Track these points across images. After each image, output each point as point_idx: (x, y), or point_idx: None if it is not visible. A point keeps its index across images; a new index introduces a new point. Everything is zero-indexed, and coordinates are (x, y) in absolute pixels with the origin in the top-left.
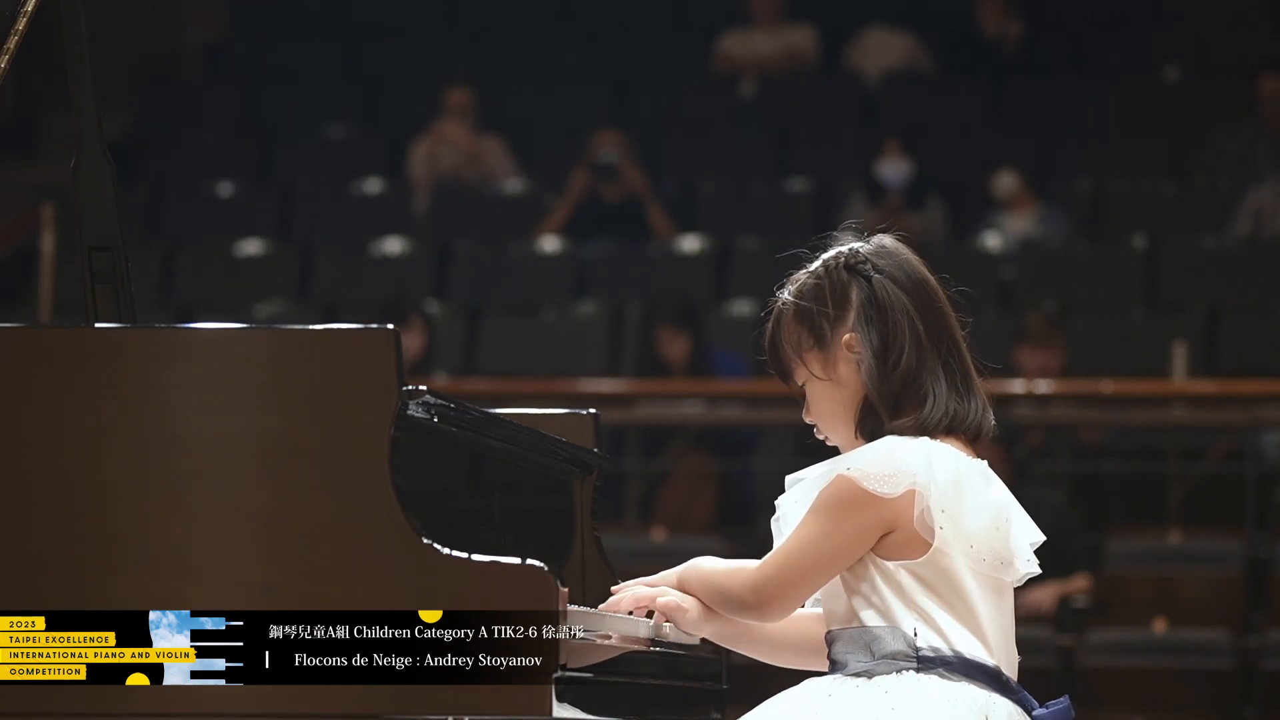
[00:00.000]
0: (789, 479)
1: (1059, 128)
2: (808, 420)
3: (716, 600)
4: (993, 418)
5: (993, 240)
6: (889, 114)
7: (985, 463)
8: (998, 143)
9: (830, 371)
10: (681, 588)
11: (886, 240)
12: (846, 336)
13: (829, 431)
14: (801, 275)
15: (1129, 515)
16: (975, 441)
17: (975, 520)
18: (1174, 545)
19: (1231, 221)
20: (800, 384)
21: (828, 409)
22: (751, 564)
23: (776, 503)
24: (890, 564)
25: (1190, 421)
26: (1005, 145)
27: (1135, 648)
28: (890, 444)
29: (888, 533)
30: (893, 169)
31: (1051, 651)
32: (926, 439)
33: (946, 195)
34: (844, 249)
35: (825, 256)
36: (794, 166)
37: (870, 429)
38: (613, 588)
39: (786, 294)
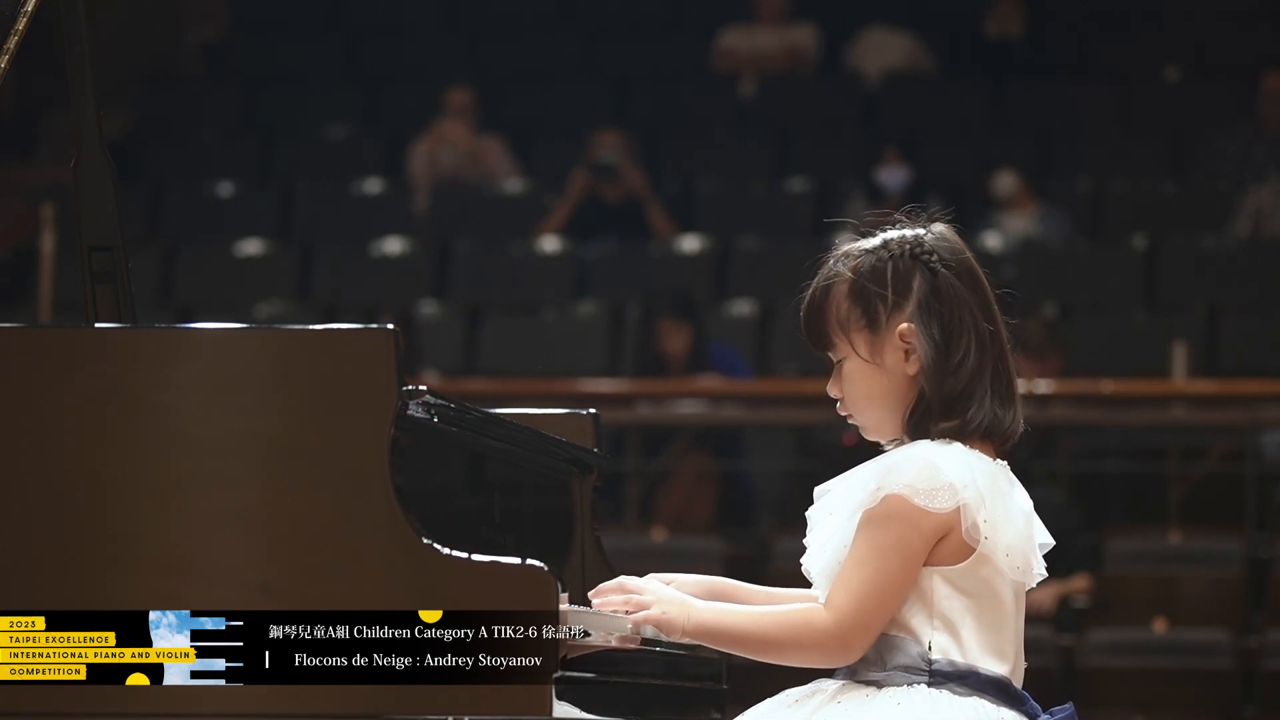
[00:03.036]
0: (817, 490)
1: (1059, 128)
2: (833, 394)
3: (782, 654)
4: (1022, 425)
5: (993, 240)
6: (889, 114)
7: (1006, 465)
8: (998, 143)
9: (876, 356)
10: (707, 639)
11: (946, 231)
12: (903, 326)
13: (856, 411)
14: (857, 250)
15: (1129, 515)
16: (1002, 446)
17: (1010, 527)
18: (1174, 545)
19: (1231, 221)
20: (836, 358)
21: (864, 391)
22: (807, 609)
23: (808, 515)
24: (925, 569)
25: (1190, 421)
26: (1005, 145)
27: (1135, 648)
28: (928, 454)
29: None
30: (892, 175)
31: (1051, 651)
32: (960, 445)
33: (946, 195)
34: (907, 233)
35: (887, 237)
36: (794, 166)
37: (922, 427)
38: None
39: (841, 266)
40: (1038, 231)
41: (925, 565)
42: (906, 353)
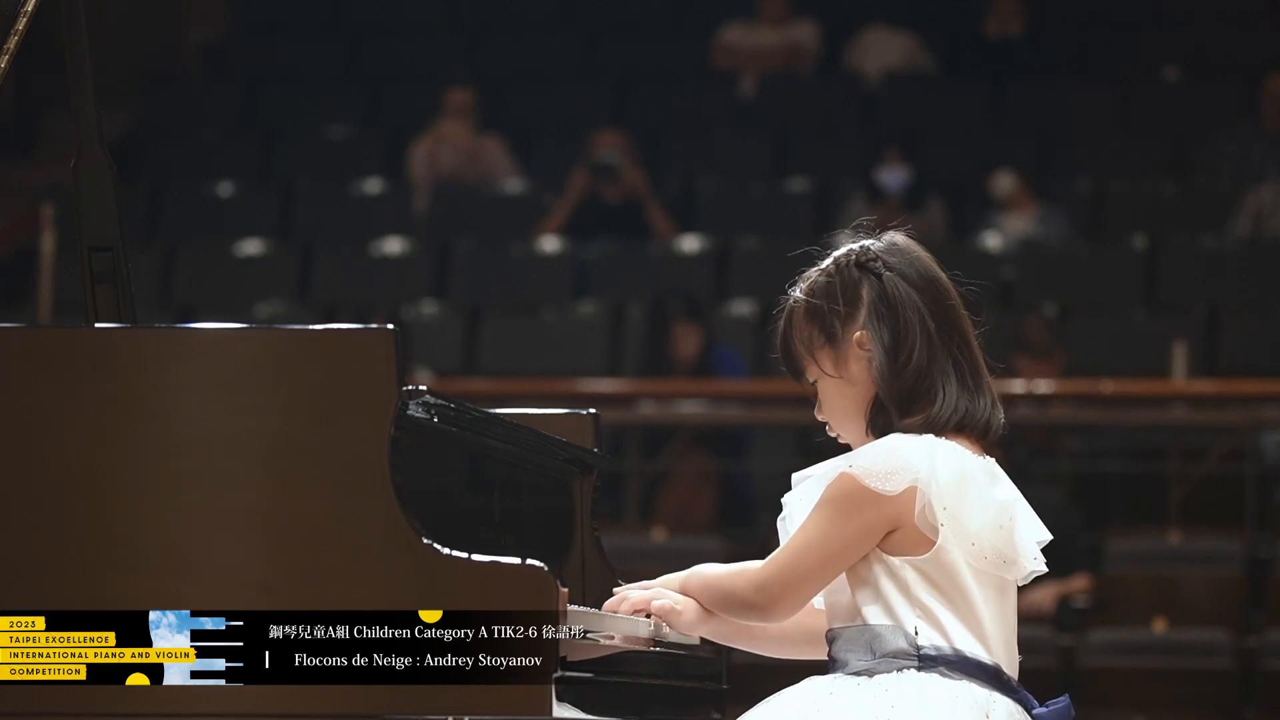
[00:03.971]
0: (796, 476)
1: (1059, 128)
2: (820, 418)
3: (720, 603)
4: (1002, 415)
5: (993, 240)
6: (889, 114)
7: (993, 461)
8: (998, 143)
9: (841, 369)
10: (684, 593)
11: (898, 237)
12: (858, 334)
13: (841, 429)
14: (813, 273)
15: (1129, 515)
16: (984, 439)
17: (977, 518)
18: (1174, 545)
19: (1231, 221)
20: (812, 381)
21: (839, 407)
22: (755, 564)
23: (783, 500)
24: (895, 559)
25: (1190, 421)
26: (1005, 145)
27: (1135, 648)
28: (894, 441)
29: (892, 530)
30: (892, 175)
31: (1051, 651)
32: (931, 436)
33: (946, 195)
34: (855, 246)
35: (836, 254)
36: (794, 166)
37: (881, 427)
38: (614, 589)
39: (798, 291)
40: (1037, 231)
41: (894, 556)
42: (869, 361)
